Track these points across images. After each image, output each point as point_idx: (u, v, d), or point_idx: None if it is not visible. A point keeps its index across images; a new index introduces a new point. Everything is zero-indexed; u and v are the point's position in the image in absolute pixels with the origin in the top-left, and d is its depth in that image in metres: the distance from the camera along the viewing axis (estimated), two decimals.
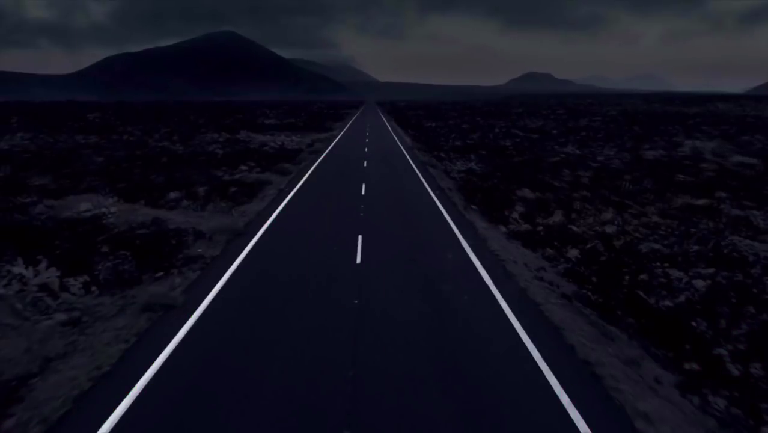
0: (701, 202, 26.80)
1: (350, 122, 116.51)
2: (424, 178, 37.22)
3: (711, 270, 16.30)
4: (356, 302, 14.14)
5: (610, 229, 21.86)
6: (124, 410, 9.14)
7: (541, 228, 22.52)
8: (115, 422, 8.83)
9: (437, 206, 27.26)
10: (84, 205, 24.57)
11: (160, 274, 16.41)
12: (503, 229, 22.89)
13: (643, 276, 16.02)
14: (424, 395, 9.68)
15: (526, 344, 11.87)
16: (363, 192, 30.98)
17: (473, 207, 27.26)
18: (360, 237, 20.58)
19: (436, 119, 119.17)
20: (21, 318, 12.90)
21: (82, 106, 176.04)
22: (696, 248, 18.65)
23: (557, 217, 24.14)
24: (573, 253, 18.85)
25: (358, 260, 17.84)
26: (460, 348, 11.60)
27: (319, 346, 11.55)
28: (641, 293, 14.70)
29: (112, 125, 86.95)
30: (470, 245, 20.03)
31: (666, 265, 17.01)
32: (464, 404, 9.43)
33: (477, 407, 9.32)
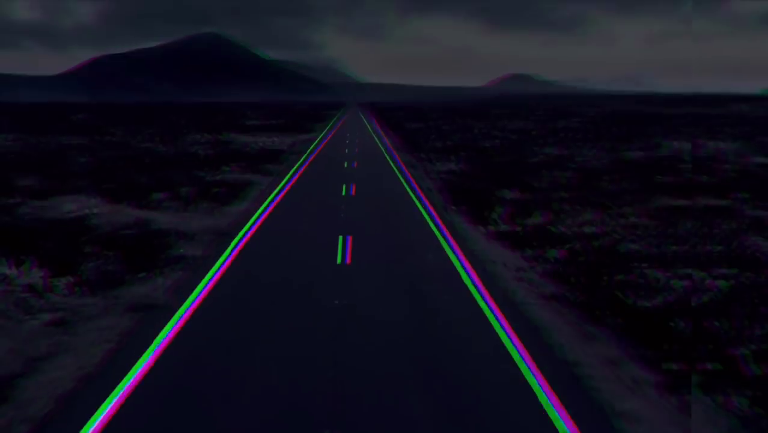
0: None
1: (332, 123, 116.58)
2: (405, 178, 37.43)
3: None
4: (337, 302, 14.29)
5: (590, 229, 22.18)
6: (109, 409, 9.17)
7: (522, 228, 22.78)
8: (100, 421, 8.86)
9: (418, 206, 27.47)
10: (69, 206, 24.59)
11: (144, 274, 16.43)
12: (484, 229, 23.13)
13: (623, 276, 16.28)
14: (404, 393, 9.84)
15: (508, 343, 12.04)
16: (344, 193, 31.14)
17: (455, 208, 27.50)
18: (344, 238, 20.73)
19: (418, 120, 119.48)
20: (6, 318, 12.91)
21: (71, 108, 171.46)
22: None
23: (538, 217, 24.44)
24: (555, 253, 19.10)
25: (345, 260, 18.01)
26: (442, 347, 11.79)
27: (301, 345, 11.71)
28: (622, 294, 14.93)
29: (99, 126, 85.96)
30: (452, 246, 20.25)
31: (644, 265, 17.28)
32: (445, 403, 9.54)
33: (458, 407, 9.42)
